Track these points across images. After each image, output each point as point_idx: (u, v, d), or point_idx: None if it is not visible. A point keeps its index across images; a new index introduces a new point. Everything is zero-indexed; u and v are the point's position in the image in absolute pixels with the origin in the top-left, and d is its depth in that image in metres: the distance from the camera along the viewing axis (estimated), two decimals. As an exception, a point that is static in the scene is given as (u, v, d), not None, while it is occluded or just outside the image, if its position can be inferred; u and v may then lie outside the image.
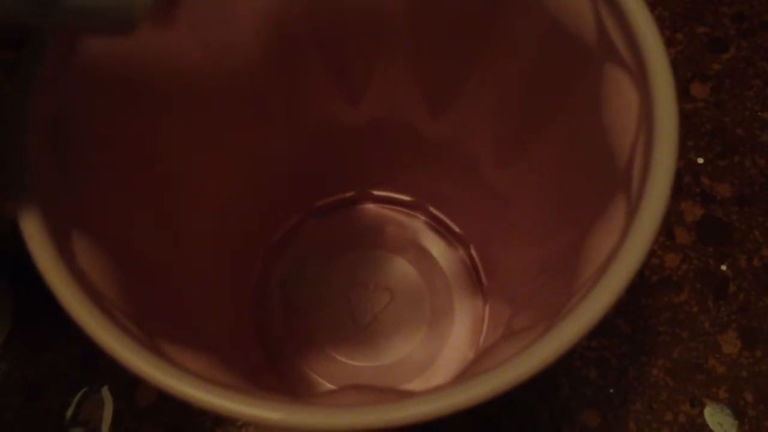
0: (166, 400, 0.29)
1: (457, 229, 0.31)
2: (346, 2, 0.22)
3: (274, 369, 0.30)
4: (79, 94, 0.18)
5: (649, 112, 0.16)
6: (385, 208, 0.32)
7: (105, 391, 0.30)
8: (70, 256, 0.16)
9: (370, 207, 0.32)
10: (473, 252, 0.31)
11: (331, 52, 0.24)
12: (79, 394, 0.30)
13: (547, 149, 0.21)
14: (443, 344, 0.29)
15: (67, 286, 0.15)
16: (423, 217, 0.32)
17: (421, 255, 0.31)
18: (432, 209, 0.31)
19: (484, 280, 0.30)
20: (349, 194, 0.32)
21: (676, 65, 0.34)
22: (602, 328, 0.30)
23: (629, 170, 0.16)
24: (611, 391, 0.29)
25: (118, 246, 0.18)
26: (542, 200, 0.23)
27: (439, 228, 0.32)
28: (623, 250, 0.15)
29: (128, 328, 0.15)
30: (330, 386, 0.30)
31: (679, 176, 0.32)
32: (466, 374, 0.20)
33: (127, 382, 0.30)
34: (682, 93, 0.33)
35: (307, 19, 0.22)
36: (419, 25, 0.22)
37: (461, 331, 0.30)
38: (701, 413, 0.29)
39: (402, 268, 0.31)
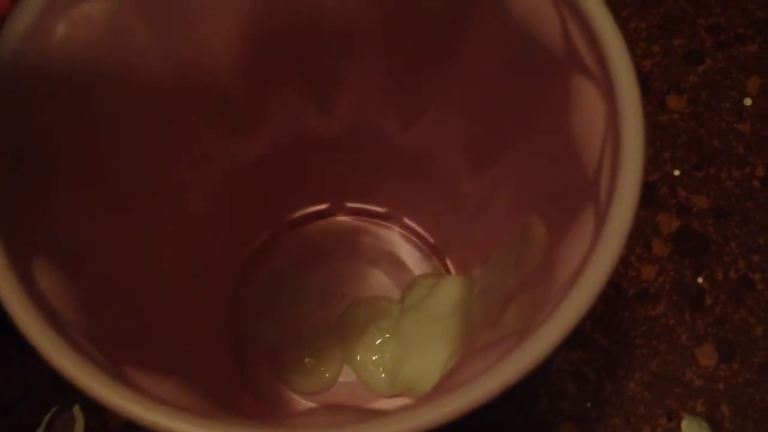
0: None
1: (432, 240, 0.31)
2: (318, 9, 0.22)
3: (249, 386, 0.29)
4: (36, 110, 0.17)
5: (615, 122, 0.15)
6: (359, 220, 0.32)
7: (76, 410, 0.29)
8: (28, 276, 0.15)
9: (345, 219, 0.32)
10: (449, 263, 0.31)
11: (302, 60, 0.23)
12: (50, 413, 0.29)
13: (517, 159, 0.21)
14: (418, 358, 0.29)
15: (23, 307, 0.15)
16: (398, 228, 0.31)
17: (397, 266, 0.31)
18: (407, 220, 0.31)
19: (460, 292, 0.30)
20: (323, 206, 0.31)
21: (652, 77, 0.34)
22: (580, 341, 0.30)
23: (597, 181, 0.16)
24: (588, 404, 0.29)
25: (82, 267, 0.18)
26: (514, 211, 0.22)
27: (414, 239, 0.31)
28: (590, 264, 0.14)
29: (89, 351, 0.15)
30: (305, 402, 0.29)
31: (655, 188, 0.32)
32: (435, 391, 0.19)
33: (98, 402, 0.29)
34: (658, 105, 0.33)
35: (277, 26, 0.22)
36: (390, 34, 0.22)
37: (437, 345, 0.29)
38: (678, 426, 0.28)
39: (378, 280, 0.31)
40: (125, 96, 0.20)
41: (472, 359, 0.18)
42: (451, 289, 0.28)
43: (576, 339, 0.30)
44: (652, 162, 0.32)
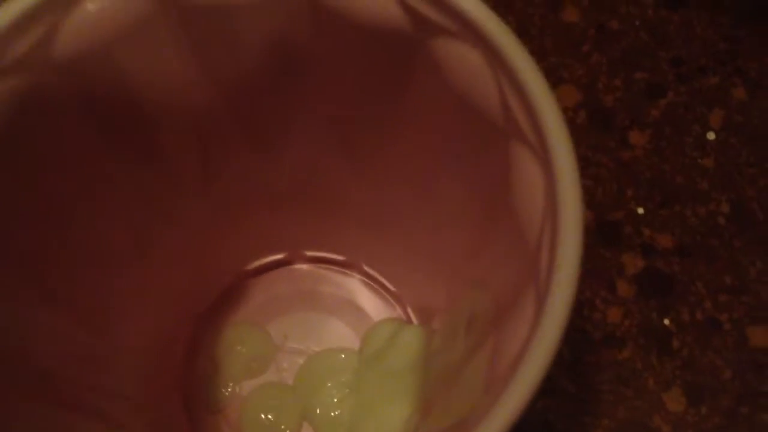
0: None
1: (392, 288, 0.30)
2: (252, 67, 0.21)
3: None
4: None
5: (553, 195, 0.15)
6: (319, 268, 0.31)
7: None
8: None
9: (303, 267, 0.31)
10: (410, 310, 0.30)
11: (247, 116, 0.23)
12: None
13: (466, 223, 0.20)
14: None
15: None
16: (358, 276, 0.30)
17: (358, 315, 0.30)
18: (366, 267, 0.30)
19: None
20: (280, 255, 0.30)
21: (614, 112, 0.33)
22: (546, 388, 0.29)
23: (538, 257, 0.15)
24: (556, 454, 0.28)
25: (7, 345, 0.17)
26: (468, 269, 0.22)
27: (375, 286, 0.30)
28: (528, 356, 0.14)
29: None
30: (263, 459, 0.28)
31: (619, 227, 0.31)
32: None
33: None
34: (621, 141, 0.33)
35: (215, 83, 0.21)
36: (333, 89, 0.21)
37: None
38: (648, 476, 0.28)
39: (338, 330, 0.30)
40: (56, 166, 0.20)
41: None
42: (410, 342, 0.27)
43: (542, 386, 0.29)
44: (616, 200, 0.32)
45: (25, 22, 0.17)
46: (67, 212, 0.21)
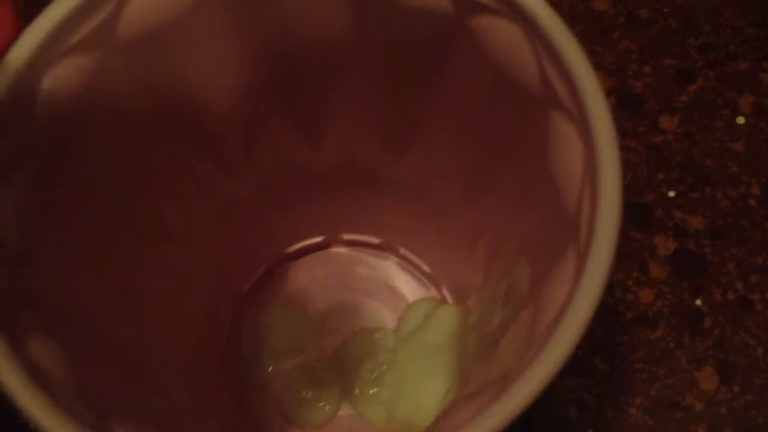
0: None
1: (427, 269, 0.31)
2: (302, 50, 0.22)
3: (248, 422, 0.29)
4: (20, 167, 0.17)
5: (593, 159, 0.15)
6: (355, 251, 0.32)
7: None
8: (15, 338, 0.15)
9: (341, 250, 0.32)
10: (445, 291, 0.31)
11: (288, 99, 0.24)
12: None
13: (503, 194, 0.21)
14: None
15: (10, 365, 0.15)
16: (394, 258, 0.31)
17: (394, 296, 0.31)
18: (402, 250, 0.31)
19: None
20: (318, 239, 0.31)
21: (644, 98, 0.34)
22: (579, 368, 0.30)
23: (578, 221, 0.16)
24: None
25: (71, 323, 0.18)
26: (504, 243, 0.22)
27: (411, 268, 0.31)
28: (572, 306, 0.14)
29: (77, 411, 0.15)
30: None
31: (651, 210, 0.32)
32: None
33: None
34: (651, 126, 0.33)
35: (263, 69, 0.22)
36: (372, 71, 0.22)
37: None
38: (681, 453, 0.28)
39: (374, 310, 0.31)
40: (113, 142, 0.21)
41: (464, 404, 0.18)
42: (446, 320, 0.27)
43: (576, 365, 0.30)
44: (647, 184, 0.32)
45: (90, 5, 0.18)
46: (125, 192, 0.22)
